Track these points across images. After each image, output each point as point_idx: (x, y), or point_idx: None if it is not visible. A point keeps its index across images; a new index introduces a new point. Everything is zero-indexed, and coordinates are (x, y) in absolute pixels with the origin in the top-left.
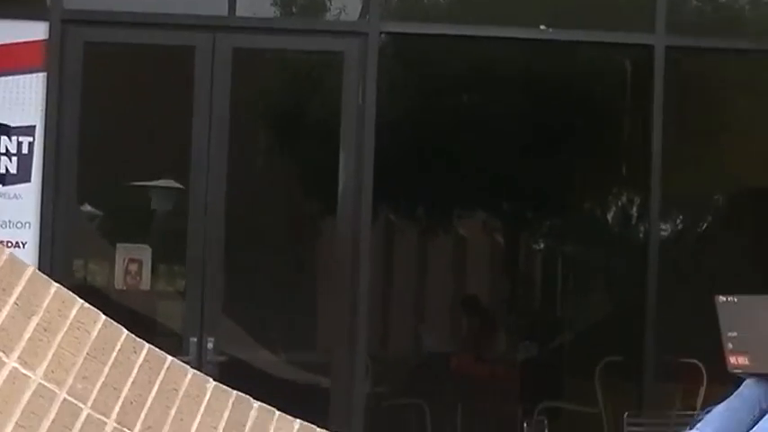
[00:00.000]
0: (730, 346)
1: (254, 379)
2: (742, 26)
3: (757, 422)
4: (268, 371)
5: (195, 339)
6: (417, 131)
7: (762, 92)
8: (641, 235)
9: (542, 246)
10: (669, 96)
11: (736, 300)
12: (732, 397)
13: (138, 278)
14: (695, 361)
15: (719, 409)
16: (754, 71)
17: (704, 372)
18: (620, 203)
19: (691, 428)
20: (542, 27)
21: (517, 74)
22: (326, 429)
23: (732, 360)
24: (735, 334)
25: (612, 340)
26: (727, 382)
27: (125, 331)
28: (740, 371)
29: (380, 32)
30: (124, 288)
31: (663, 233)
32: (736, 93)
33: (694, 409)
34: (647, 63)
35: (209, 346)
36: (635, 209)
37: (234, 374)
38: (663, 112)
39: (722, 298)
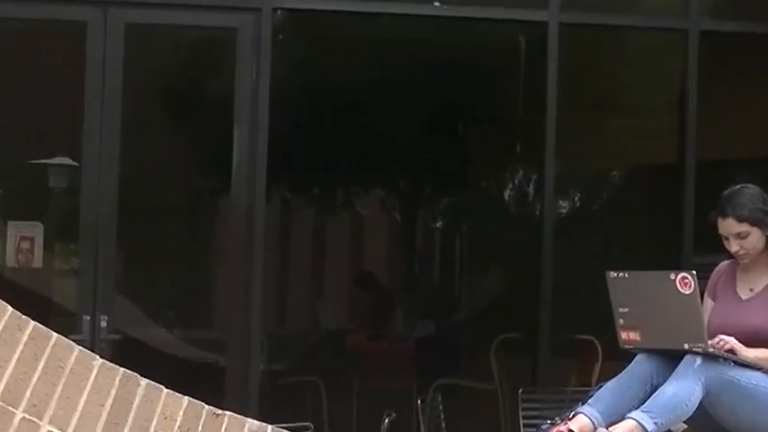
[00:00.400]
0: (621, 321)
1: (149, 357)
2: (635, 3)
3: (649, 397)
4: (163, 349)
5: (88, 318)
6: (314, 108)
7: (655, 68)
8: (536, 211)
9: (439, 223)
10: (563, 73)
11: (626, 275)
12: (623, 373)
13: (29, 256)
14: (591, 337)
15: (611, 384)
16: (646, 48)
17: (599, 348)
18: (515, 180)
19: (582, 404)
20: (436, 4)
21: (413, 51)
22: (222, 407)
23: (623, 336)
24: (626, 310)
25: (509, 317)
26: (622, 358)
27: (9, 308)
28: (632, 346)
29: (274, 8)
30: (16, 266)
31: (558, 210)
32: (629, 69)
33: (590, 386)
34: (541, 40)
35: (103, 324)
36: (530, 186)
37: (128, 353)
38: (557, 88)
39: (613, 273)
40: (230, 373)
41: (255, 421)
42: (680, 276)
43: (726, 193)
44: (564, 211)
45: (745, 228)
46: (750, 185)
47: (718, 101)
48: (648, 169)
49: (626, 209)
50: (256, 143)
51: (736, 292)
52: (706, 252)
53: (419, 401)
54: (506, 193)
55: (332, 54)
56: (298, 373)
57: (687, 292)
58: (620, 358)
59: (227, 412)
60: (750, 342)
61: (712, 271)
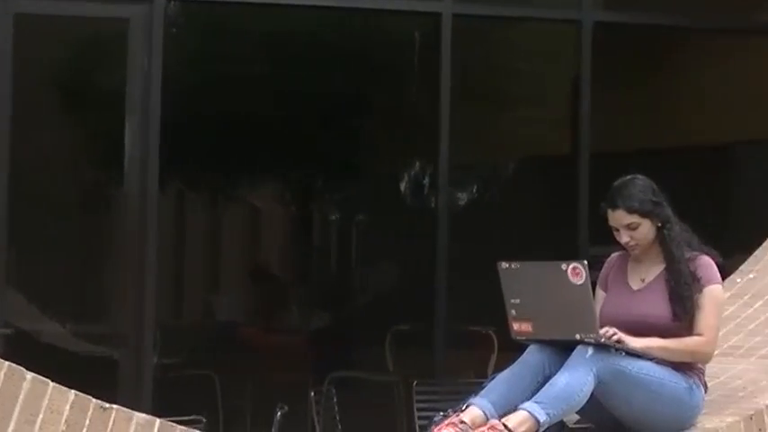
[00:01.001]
0: (513, 312)
1: (42, 352)
2: None
3: (541, 388)
4: (56, 343)
5: None
6: (209, 100)
7: (549, 60)
8: (432, 203)
9: (335, 215)
10: (457, 64)
11: (518, 266)
12: (515, 364)
13: None
14: (486, 328)
15: (503, 376)
16: (541, 39)
17: (495, 339)
18: (411, 172)
19: (475, 396)
20: None
21: (307, 42)
22: (115, 401)
23: (516, 327)
24: (518, 301)
25: (404, 309)
26: (518, 349)
27: None
28: (524, 337)
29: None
30: None
31: (453, 201)
32: (524, 61)
33: (486, 377)
34: (434, 31)
35: None
36: (426, 177)
37: (20, 347)
38: (451, 80)
39: (504, 264)
40: (123, 367)
41: (144, 415)
42: (571, 267)
43: (616, 184)
44: (459, 202)
45: (635, 219)
46: (639, 176)
47: (613, 92)
48: (544, 160)
49: (522, 200)
50: (148, 135)
51: (628, 283)
52: (602, 243)
53: (312, 394)
54: (402, 185)
55: (226, 45)
56: (192, 367)
57: (579, 283)
58: (515, 349)
59: (115, 406)
60: (642, 332)
61: None
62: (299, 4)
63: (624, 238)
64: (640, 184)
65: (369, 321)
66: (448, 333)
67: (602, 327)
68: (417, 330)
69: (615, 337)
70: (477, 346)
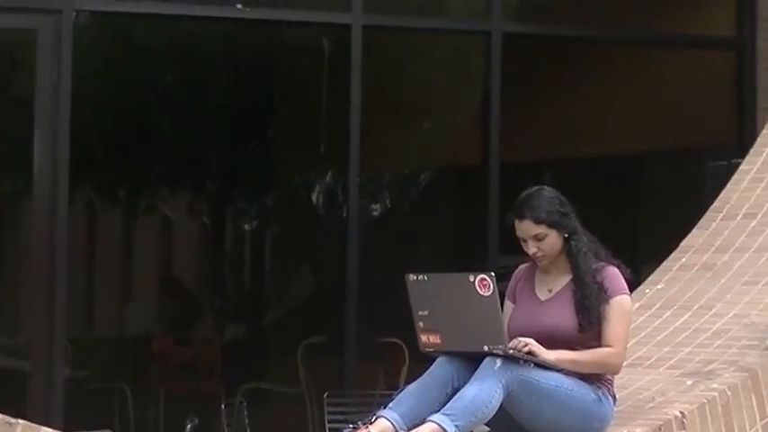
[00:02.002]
0: (421, 324)
1: None
2: (440, 6)
3: (449, 400)
4: None
5: None
6: (119, 111)
7: (460, 71)
8: (343, 214)
9: (248, 226)
10: (367, 76)
11: (425, 278)
12: (424, 376)
13: None
14: (397, 340)
15: (412, 388)
16: (451, 50)
17: (406, 350)
18: (322, 183)
19: (384, 408)
20: (239, 6)
21: (218, 53)
22: (25, 415)
23: (424, 339)
24: (426, 312)
25: (316, 320)
26: (430, 361)
27: None
28: (432, 349)
29: (76, 10)
30: None
31: (364, 212)
32: (434, 72)
33: (398, 388)
34: (344, 42)
35: None
36: (336, 188)
37: None
38: (361, 91)
39: (412, 276)
40: (33, 380)
41: (50, 429)
42: (479, 278)
43: (522, 195)
44: (370, 213)
45: (542, 230)
46: (546, 187)
47: (523, 103)
48: (455, 171)
49: (433, 211)
50: (57, 146)
51: (535, 294)
52: (513, 253)
53: (223, 406)
54: (314, 196)
55: (136, 56)
56: (103, 379)
57: (486, 294)
58: (427, 360)
59: (21, 421)
60: (550, 343)
61: None
62: (208, 16)
63: (531, 248)
64: (547, 195)
65: (281, 333)
66: (359, 344)
67: (511, 338)
68: (329, 342)
69: (527, 348)
70: (388, 358)
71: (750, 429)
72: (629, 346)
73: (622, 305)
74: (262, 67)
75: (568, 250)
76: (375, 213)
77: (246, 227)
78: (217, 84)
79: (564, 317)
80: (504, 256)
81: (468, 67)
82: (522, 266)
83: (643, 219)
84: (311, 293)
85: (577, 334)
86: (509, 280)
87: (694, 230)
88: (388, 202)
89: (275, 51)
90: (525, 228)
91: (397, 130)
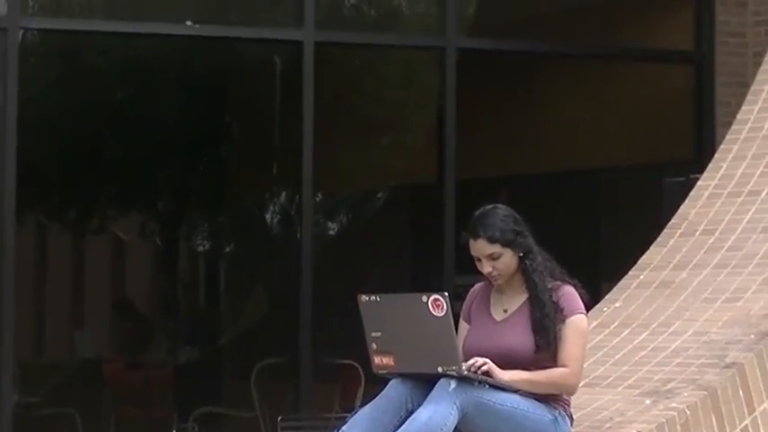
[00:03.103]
0: (375, 346)
1: None
2: (393, 21)
3: (404, 422)
4: None
5: None
6: (68, 130)
7: (414, 87)
8: (297, 233)
9: (201, 246)
10: (320, 93)
11: (378, 298)
12: (378, 398)
13: None
14: (352, 361)
15: (366, 410)
16: (405, 66)
17: (362, 372)
18: (276, 202)
19: (337, 431)
20: (189, 23)
21: (169, 71)
22: None
23: (377, 360)
24: (379, 334)
25: (270, 342)
26: (385, 382)
27: None
28: (385, 371)
29: (21, 28)
30: None
31: (318, 231)
32: (389, 88)
33: (353, 410)
34: (297, 59)
35: None
36: (290, 207)
37: None
38: (314, 108)
39: (365, 297)
40: None
41: None
42: (432, 298)
43: (477, 213)
44: (325, 232)
45: (497, 249)
46: (501, 206)
47: (479, 119)
48: (410, 189)
49: (388, 229)
50: (4, 167)
51: (491, 314)
52: (468, 272)
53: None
54: (267, 215)
55: (86, 75)
56: (53, 405)
57: (440, 315)
58: (383, 382)
59: None
60: (505, 364)
61: None
62: (158, 33)
63: (486, 268)
64: (501, 214)
65: (235, 355)
66: (314, 366)
67: (466, 359)
68: (283, 364)
69: (484, 368)
70: (343, 379)
71: None
72: (586, 365)
73: (579, 325)
74: (213, 85)
75: (524, 269)
76: (330, 233)
77: (199, 247)
78: (168, 102)
79: (520, 337)
80: (460, 276)
81: (423, 82)
82: (477, 286)
83: (601, 236)
84: (265, 315)
85: (533, 354)
86: (464, 300)
87: (652, 247)
88: (342, 221)
89: (227, 69)
90: (480, 247)
91: (352, 147)
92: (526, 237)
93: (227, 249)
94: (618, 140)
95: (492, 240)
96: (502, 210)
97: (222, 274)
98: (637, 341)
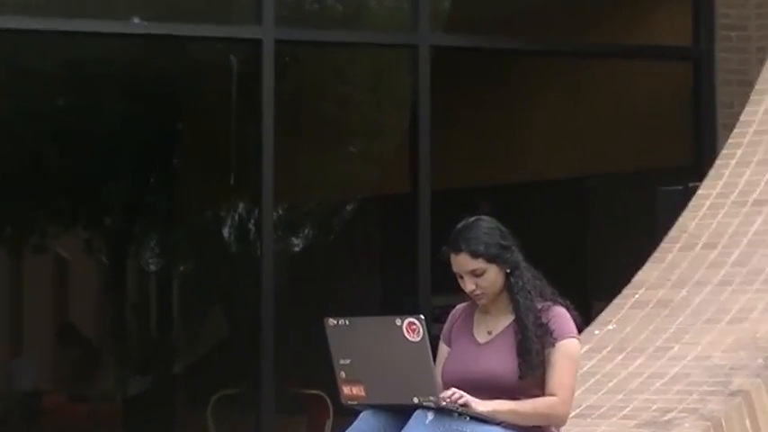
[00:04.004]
0: (343, 374)
1: None
2: (360, 18)
3: None
4: None
5: None
6: (4, 139)
7: (384, 89)
8: (257, 250)
9: (152, 265)
10: (281, 96)
11: (346, 322)
12: (348, 431)
13: None
14: (320, 391)
15: None
16: (374, 66)
17: (330, 403)
18: (233, 216)
19: None
20: (136, 21)
21: (115, 74)
22: None
23: (346, 390)
24: (348, 361)
25: (229, 369)
26: (356, 413)
27: None
28: (355, 402)
29: None
30: None
31: (281, 247)
32: (357, 90)
33: None
34: (255, 59)
35: None
36: (249, 221)
37: None
38: (274, 113)
39: (332, 321)
40: None
41: None
42: (407, 322)
43: (459, 226)
44: (288, 248)
45: (480, 264)
46: (485, 217)
47: (455, 123)
48: (381, 200)
49: (357, 245)
50: None
51: (473, 337)
52: (448, 292)
53: None
54: (224, 231)
55: (23, 79)
56: None
57: (415, 340)
58: (353, 414)
59: None
60: (489, 391)
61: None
62: (103, 32)
63: (469, 285)
64: (486, 226)
65: (190, 385)
66: (277, 397)
67: (446, 386)
68: (243, 394)
69: (462, 400)
70: (310, 411)
71: None
72: (576, 394)
73: (569, 349)
74: (164, 88)
75: (509, 287)
76: (293, 249)
77: (151, 266)
78: (114, 108)
79: (504, 362)
80: (438, 296)
81: (394, 84)
82: (459, 306)
83: (591, 251)
84: (223, 340)
85: (518, 381)
86: (444, 322)
87: (648, 263)
88: (307, 235)
89: (179, 71)
90: (461, 262)
91: (316, 155)
92: (513, 251)
93: (181, 268)
94: (608, 145)
95: (475, 255)
96: (486, 222)
97: (176, 295)
98: (632, 367)
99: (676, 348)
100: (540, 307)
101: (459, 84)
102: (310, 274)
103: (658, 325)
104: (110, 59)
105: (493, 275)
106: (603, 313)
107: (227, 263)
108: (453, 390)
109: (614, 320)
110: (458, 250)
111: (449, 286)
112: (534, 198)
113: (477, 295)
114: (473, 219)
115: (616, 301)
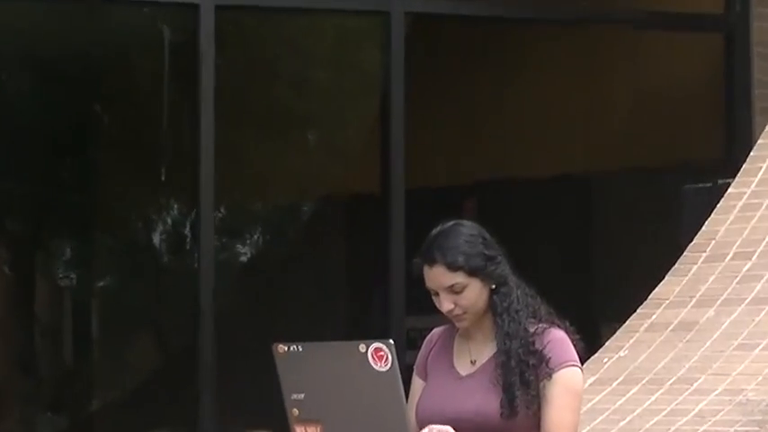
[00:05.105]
0: (296, 412)
1: None
2: None
3: None
4: None
5: None
6: None
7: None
8: (194, 261)
9: (66, 280)
10: (224, 75)
11: (299, 348)
12: None
13: None
14: (268, 430)
15: None
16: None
17: None
18: (165, 220)
19: None
20: None
21: (19, 47)
22: None
23: (300, 431)
24: (302, 396)
25: (161, 407)
26: None
27: None
28: None
29: None
30: None
31: (223, 258)
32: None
33: None
34: (191, 29)
35: None
36: (184, 226)
37: None
38: (214, 95)
39: (282, 347)
40: None
41: None
42: (373, 348)
43: (433, 233)
44: (231, 258)
45: (459, 279)
46: (466, 222)
47: (434, 108)
48: (344, 201)
49: (316, 254)
50: None
51: (454, 367)
52: (424, 312)
53: None
54: (155, 237)
55: None
56: None
57: (383, 369)
58: None
59: None
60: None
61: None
62: None
63: (446, 304)
64: (466, 233)
65: (114, 425)
66: None
67: (420, 427)
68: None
69: None
70: None
71: None
72: None
73: (570, 381)
74: (80, 65)
75: (492, 306)
76: (238, 260)
77: (64, 281)
78: (19, 87)
79: (490, 399)
80: (413, 316)
81: (362, 61)
82: (436, 330)
83: (598, 262)
84: (154, 371)
85: (507, 422)
86: (419, 348)
87: (668, 277)
88: (255, 243)
89: (98, 43)
90: (437, 276)
91: (267, 147)
92: (499, 263)
93: (101, 283)
94: (621, 134)
95: (453, 267)
96: (467, 228)
97: (95, 316)
98: (648, 402)
99: (701, 380)
100: (533, 330)
101: (440, 60)
102: (259, 291)
103: (680, 352)
104: (12, 28)
105: (475, 292)
106: (613, 338)
107: (158, 277)
108: (431, 427)
109: (626, 346)
110: (432, 262)
111: (426, 305)
112: (530, 198)
113: (457, 316)
114: (451, 224)
115: (628, 323)
